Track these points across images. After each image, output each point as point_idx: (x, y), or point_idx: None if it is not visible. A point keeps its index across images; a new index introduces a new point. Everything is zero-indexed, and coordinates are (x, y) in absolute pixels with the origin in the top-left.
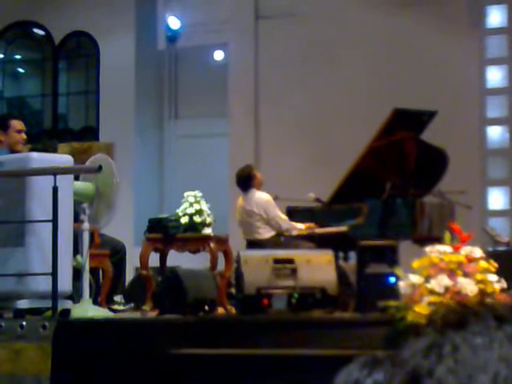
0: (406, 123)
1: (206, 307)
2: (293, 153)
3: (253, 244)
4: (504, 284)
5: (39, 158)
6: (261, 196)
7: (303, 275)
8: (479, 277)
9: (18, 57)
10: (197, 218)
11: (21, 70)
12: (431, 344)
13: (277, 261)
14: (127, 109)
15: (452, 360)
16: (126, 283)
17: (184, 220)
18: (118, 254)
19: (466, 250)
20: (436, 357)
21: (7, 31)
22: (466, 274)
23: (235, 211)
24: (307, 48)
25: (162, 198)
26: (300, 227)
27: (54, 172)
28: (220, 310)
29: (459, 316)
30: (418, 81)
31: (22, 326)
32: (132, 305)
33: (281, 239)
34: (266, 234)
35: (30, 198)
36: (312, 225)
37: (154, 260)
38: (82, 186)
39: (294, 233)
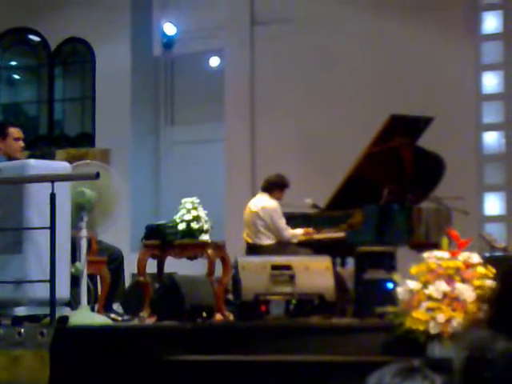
0: (403, 129)
1: (204, 314)
2: (289, 158)
3: (252, 248)
4: None
5: (37, 165)
6: (269, 202)
7: (301, 281)
8: (477, 282)
9: (13, 63)
10: (194, 225)
11: (16, 77)
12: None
13: (275, 267)
14: (123, 115)
15: None
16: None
17: (181, 226)
18: (115, 261)
19: (463, 255)
20: None
21: (3, 38)
22: (463, 280)
23: (244, 210)
24: (303, 54)
25: (158, 204)
26: (299, 233)
27: (52, 179)
28: (218, 317)
29: None
30: (414, 87)
31: (19, 333)
32: (129, 317)
33: (279, 246)
34: (267, 240)
35: (27, 205)
36: (310, 230)
37: (151, 266)
38: (91, 193)
39: (295, 241)
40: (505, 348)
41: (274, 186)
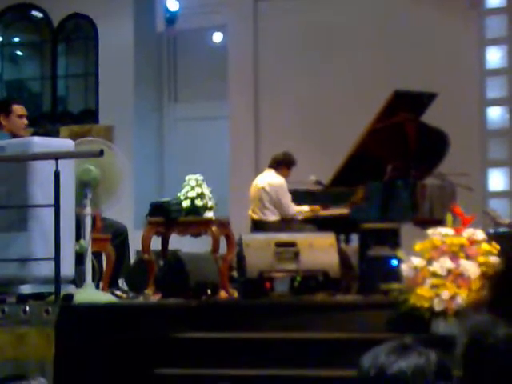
0: (407, 105)
1: (209, 291)
2: (293, 135)
3: (257, 224)
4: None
5: (41, 143)
6: (276, 178)
7: (305, 258)
8: (481, 259)
9: (16, 39)
10: (198, 202)
11: (19, 53)
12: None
13: (279, 244)
14: (126, 91)
15: None
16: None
17: (186, 204)
18: (120, 236)
19: (468, 232)
20: None
21: (6, 14)
22: (468, 257)
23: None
24: (306, 30)
25: (162, 181)
26: (305, 209)
27: (56, 156)
28: (222, 294)
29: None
30: (417, 62)
31: (25, 311)
32: (133, 294)
33: (284, 223)
34: (272, 216)
35: (32, 183)
36: (317, 207)
37: (155, 244)
38: (96, 170)
39: (300, 217)
40: (506, 333)
41: (281, 164)
